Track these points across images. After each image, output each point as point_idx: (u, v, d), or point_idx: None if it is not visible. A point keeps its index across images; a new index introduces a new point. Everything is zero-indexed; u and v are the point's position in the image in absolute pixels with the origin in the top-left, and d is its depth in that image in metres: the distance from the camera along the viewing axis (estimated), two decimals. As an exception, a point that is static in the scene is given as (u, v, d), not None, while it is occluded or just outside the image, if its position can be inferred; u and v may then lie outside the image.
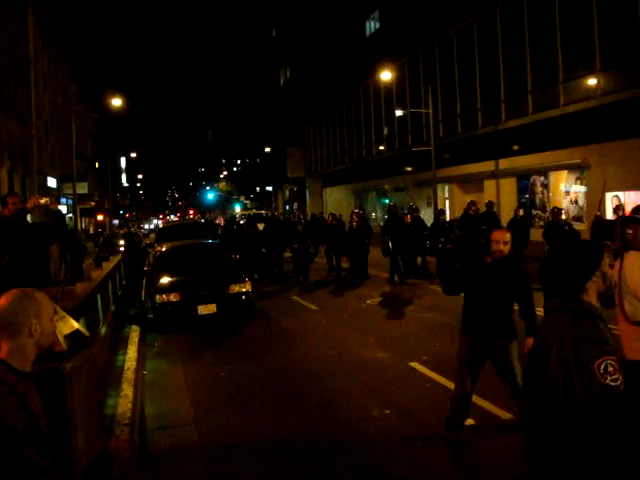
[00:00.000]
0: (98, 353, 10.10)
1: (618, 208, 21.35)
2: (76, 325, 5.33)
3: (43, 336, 2.74)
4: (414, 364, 10.06)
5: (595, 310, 3.10)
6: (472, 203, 21.49)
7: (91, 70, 62.00)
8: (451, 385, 8.90)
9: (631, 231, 5.73)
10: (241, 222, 35.07)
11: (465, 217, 21.35)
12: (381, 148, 50.60)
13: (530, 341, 6.49)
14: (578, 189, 30.42)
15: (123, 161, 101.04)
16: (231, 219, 47.13)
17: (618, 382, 2.87)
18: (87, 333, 6.82)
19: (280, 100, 78.75)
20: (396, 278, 20.46)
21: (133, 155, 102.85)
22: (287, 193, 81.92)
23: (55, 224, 8.73)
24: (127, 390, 8.71)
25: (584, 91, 28.60)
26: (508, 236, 6.81)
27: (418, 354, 10.52)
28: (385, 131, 50.29)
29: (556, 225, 18.56)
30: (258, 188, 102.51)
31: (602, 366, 2.87)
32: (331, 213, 28.64)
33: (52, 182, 47.56)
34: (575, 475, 2.90)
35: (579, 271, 3.14)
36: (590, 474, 2.89)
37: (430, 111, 35.57)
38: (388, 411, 8.04)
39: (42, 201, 8.08)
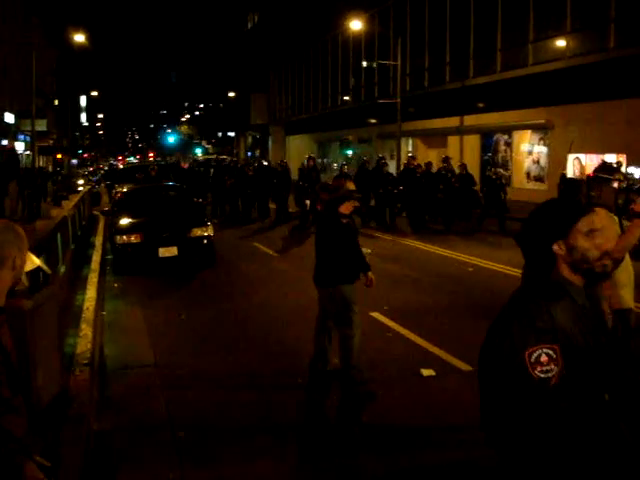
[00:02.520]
0: (57, 292, 9.98)
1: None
2: (38, 262, 5.21)
3: (21, 270, 2.66)
4: (375, 314, 10.10)
5: (547, 291, 2.69)
6: (412, 158, 22.22)
7: (53, 4, 60.18)
8: (411, 335, 9.03)
9: (595, 192, 5.77)
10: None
11: (405, 171, 22.07)
12: (346, 99, 50.29)
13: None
14: (540, 149, 30.63)
15: (84, 100, 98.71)
16: (198, 163, 46.86)
17: (550, 374, 2.55)
18: (49, 271, 6.73)
19: (246, 45, 77.46)
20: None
21: (94, 94, 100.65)
22: (250, 140, 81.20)
23: (9, 162, 8.53)
24: (86, 330, 8.61)
25: (552, 52, 28.64)
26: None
27: (379, 304, 10.56)
28: (351, 82, 49.93)
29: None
30: (220, 133, 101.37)
31: (534, 355, 2.56)
32: (281, 161, 28.53)
33: (10, 118, 46.38)
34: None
35: (530, 236, 2.82)
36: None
37: (398, 64, 35.32)
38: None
39: None
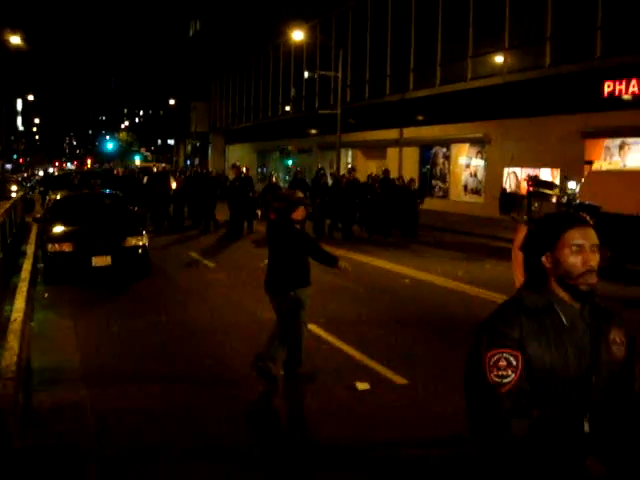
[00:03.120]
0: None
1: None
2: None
3: None
4: (311, 326, 9.99)
5: (526, 301, 2.71)
6: (352, 169, 24.04)
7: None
8: (346, 347, 8.98)
9: (537, 204, 5.81)
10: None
11: (334, 182, 23.51)
12: (287, 109, 50.33)
13: None
14: (478, 163, 31.08)
15: (20, 103, 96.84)
16: (140, 170, 46.33)
17: (504, 380, 2.54)
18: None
19: (188, 52, 77.01)
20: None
21: (30, 98, 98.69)
22: (189, 148, 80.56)
23: None
24: (13, 342, 8.31)
25: (491, 68, 29.15)
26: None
27: (315, 316, 10.48)
28: (292, 92, 50.01)
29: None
30: (160, 141, 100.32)
31: (494, 358, 2.57)
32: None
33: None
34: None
35: (525, 247, 2.84)
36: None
37: (339, 75, 35.48)
38: (282, 372, 7.97)
39: None
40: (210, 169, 28.00)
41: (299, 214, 7.59)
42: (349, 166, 23.66)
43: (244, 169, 25.05)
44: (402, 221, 21.96)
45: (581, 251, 2.63)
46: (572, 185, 17.09)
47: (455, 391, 6.95)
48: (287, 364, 7.79)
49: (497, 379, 2.55)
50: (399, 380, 7.69)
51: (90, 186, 22.11)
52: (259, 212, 21.63)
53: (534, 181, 6.56)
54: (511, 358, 2.56)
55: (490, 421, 2.61)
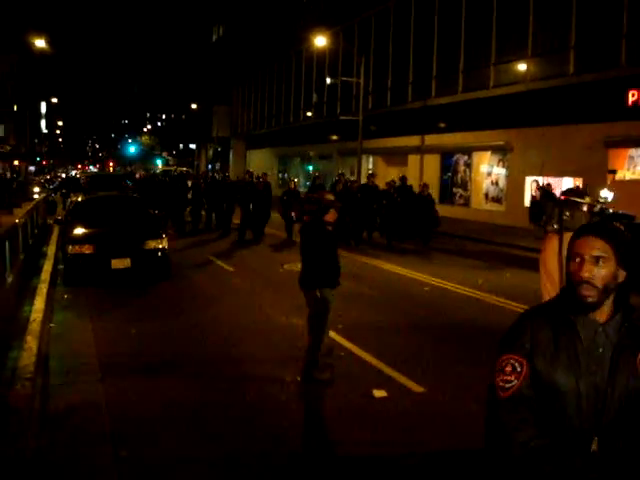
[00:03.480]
0: (3, 303, 9.71)
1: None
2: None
3: None
4: (329, 332, 9.97)
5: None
6: (372, 175, 24.00)
7: (13, 8, 59.29)
8: (364, 354, 8.94)
9: (568, 213, 5.74)
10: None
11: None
12: (309, 114, 50.34)
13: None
14: (499, 171, 30.91)
15: (44, 106, 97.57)
16: (161, 174, 46.73)
17: (507, 385, 2.56)
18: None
19: (211, 57, 77.31)
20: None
21: (54, 101, 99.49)
22: (211, 152, 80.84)
23: None
24: (31, 343, 8.36)
25: (514, 75, 28.99)
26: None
27: (333, 322, 10.43)
28: (314, 98, 50.02)
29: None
30: (182, 145, 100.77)
31: (503, 363, 2.61)
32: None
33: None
34: None
35: None
36: None
37: (361, 81, 35.45)
38: (299, 377, 7.95)
39: None
40: (227, 174, 28.16)
41: (331, 216, 8.02)
42: (369, 172, 23.68)
43: (258, 175, 25.41)
44: (419, 227, 21.86)
45: (581, 261, 2.59)
46: (604, 194, 16.95)
47: (473, 400, 6.92)
48: (305, 366, 7.83)
49: (501, 383, 2.58)
50: (416, 388, 7.63)
51: (121, 188, 22.32)
52: (293, 214, 21.74)
53: (565, 192, 6.54)
54: (517, 364, 2.57)
55: (491, 424, 2.63)
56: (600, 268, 2.57)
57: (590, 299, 2.57)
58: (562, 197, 6.25)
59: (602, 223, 2.81)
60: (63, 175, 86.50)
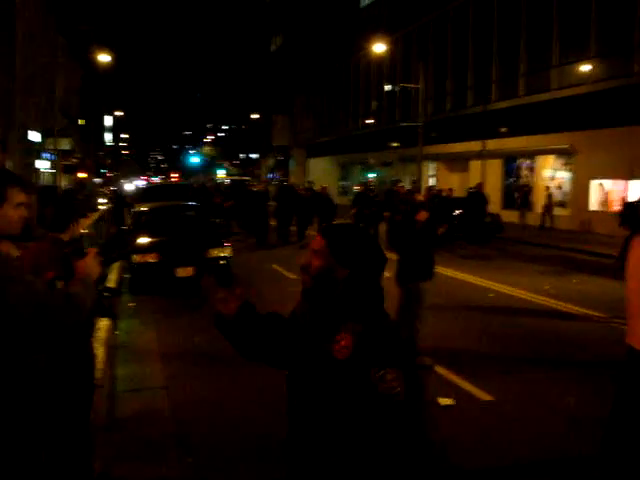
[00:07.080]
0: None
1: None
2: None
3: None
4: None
5: None
6: (398, 181, 23.97)
7: (79, 24, 60.68)
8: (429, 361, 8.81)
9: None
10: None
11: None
12: (368, 122, 50.28)
13: None
14: (564, 175, 30.35)
15: (108, 119, 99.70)
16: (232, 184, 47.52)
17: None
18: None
19: (270, 67, 77.96)
20: None
21: (119, 114, 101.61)
22: (271, 161, 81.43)
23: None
24: (98, 350, 8.46)
25: (576, 77, 28.46)
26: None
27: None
28: (373, 105, 49.94)
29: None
30: (243, 155, 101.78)
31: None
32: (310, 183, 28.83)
33: (36, 137, 46.76)
34: None
35: None
36: None
37: (420, 87, 35.26)
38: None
39: None
40: (285, 182, 28.47)
41: (421, 216, 8.74)
42: (393, 179, 24.49)
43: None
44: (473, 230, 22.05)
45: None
46: None
47: (542, 410, 6.75)
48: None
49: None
50: (484, 396, 7.48)
51: (185, 198, 22.97)
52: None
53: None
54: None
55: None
56: None
57: None
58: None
59: None
60: (126, 187, 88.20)
